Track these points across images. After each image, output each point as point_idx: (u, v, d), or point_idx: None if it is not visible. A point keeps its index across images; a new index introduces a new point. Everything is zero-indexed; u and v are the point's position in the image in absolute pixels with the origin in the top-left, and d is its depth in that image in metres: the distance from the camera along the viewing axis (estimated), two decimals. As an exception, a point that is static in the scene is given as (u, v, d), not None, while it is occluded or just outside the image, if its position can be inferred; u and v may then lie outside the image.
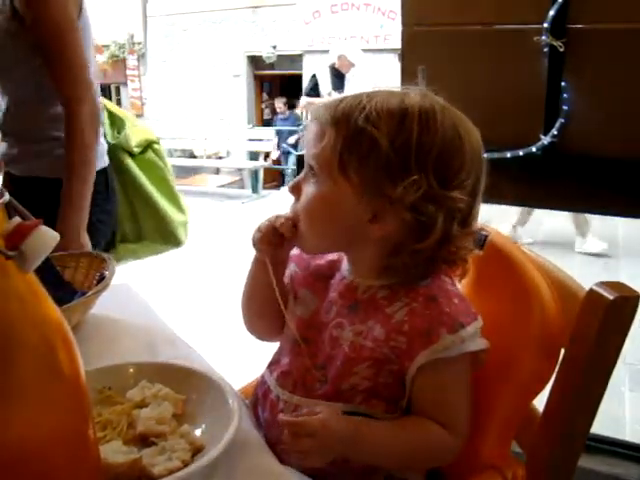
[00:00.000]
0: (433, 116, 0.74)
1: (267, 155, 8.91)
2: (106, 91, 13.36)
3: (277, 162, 9.35)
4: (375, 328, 0.77)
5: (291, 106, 11.67)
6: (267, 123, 11.36)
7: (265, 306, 0.90)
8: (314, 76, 7.15)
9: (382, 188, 0.74)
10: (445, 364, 0.75)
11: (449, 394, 0.78)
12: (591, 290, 0.73)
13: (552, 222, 5.21)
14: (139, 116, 12.59)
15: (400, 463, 0.80)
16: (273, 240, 0.82)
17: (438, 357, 0.74)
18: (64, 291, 1.08)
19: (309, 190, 0.79)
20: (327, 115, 0.77)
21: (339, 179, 0.76)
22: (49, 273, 1.08)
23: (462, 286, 0.89)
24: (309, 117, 0.82)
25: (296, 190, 0.81)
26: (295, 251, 0.90)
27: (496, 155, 1.40)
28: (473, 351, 0.76)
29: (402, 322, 0.76)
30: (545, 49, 1.36)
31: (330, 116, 0.76)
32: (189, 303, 4.08)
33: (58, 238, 0.50)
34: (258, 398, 0.89)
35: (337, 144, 0.75)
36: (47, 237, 0.49)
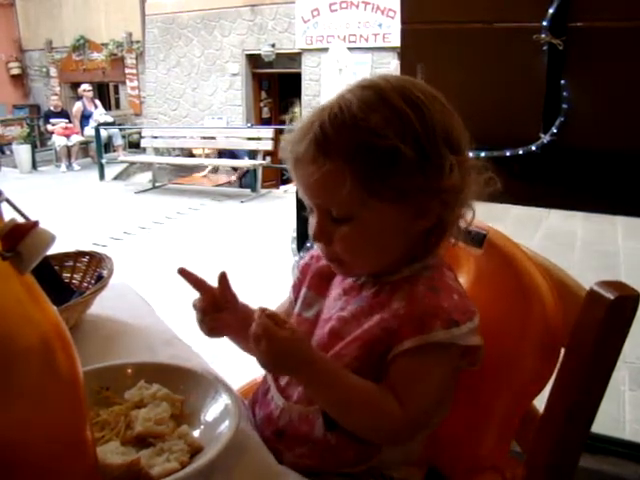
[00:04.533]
0: (415, 95, 0.73)
1: (266, 153, 8.88)
2: (104, 90, 13.37)
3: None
4: (374, 317, 0.77)
5: (289, 105, 11.65)
6: (266, 122, 11.34)
7: None
8: None
9: (418, 187, 0.73)
10: (432, 349, 0.73)
11: (423, 378, 0.75)
12: (591, 290, 0.73)
13: None
14: (137, 115, 12.59)
15: (338, 407, 0.76)
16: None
17: (425, 343, 0.73)
18: (62, 291, 1.08)
19: (345, 230, 0.75)
20: (323, 152, 0.72)
21: (374, 205, 0.73)
22: (46, 273, 1.08)
23: (462, 284, 0.89)
24: (288, 157, 0.77)
25: (325, 236, 0.77)
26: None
27: (495, 154, 1.40)
28: (464, 345, 0.74)
29: (399, 307, 0.75)
30: (544, 47, 1.35)
31: (325, 151, 0.72)
32: (188, 303, 4.07)
33: (56, 238, 0.50)
34: (257, 397, 0.89)
35: (357, 179, 0.71)
36: (44, 237, 0.49)
